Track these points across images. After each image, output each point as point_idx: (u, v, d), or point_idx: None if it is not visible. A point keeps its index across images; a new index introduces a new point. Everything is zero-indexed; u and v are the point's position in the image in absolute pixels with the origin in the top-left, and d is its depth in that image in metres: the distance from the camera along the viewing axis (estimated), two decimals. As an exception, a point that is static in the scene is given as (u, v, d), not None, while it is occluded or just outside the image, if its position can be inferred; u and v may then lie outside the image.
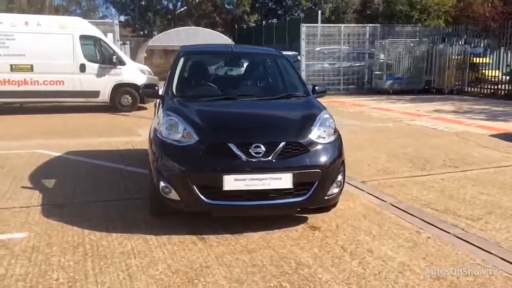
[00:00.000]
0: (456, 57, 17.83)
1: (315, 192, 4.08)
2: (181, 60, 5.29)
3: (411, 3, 23.26)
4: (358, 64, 18.93)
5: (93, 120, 11.50)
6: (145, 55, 35.41)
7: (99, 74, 12.99)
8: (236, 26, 44.02)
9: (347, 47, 18.54)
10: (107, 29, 15.88)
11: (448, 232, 4.22)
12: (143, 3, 43.72)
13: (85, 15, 43.62)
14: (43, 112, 12.79)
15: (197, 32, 35.61)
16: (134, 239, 3.95)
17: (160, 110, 4.64)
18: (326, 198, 4.20)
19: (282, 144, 4.01)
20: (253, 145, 3.93)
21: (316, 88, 5.34)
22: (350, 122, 10.96)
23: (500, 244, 3.95)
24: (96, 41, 13.28)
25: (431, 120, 11.13)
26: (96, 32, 13.47)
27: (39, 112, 12.80)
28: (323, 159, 4.14)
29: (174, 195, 3.98)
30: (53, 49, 12.63)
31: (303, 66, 17.68)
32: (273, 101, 4.93)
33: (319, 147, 4.19)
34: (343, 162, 4.36)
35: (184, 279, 3.27)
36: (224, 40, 36.49)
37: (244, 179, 3.89)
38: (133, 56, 30.25)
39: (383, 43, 18.08)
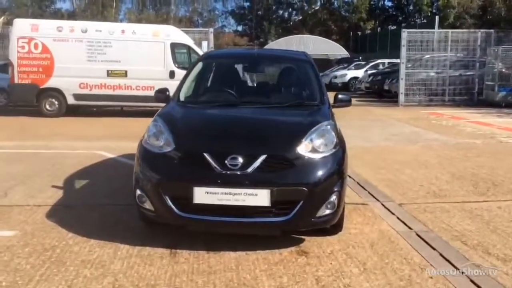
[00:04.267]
0: None
1: (299, 212, 3.61)
2: (198, 65, 5.10)
3: (539, 6, 20.71)
4: (468, 73, 17.27)
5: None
6: (257, 63, 36.21)
7: (187, 81, 13.35)
8: (351, 33, 43.04)
9: (455, 55, 17.01)
10: (203, 37, 16.39)
11: (462, 273, 3.48)
12: (260, 12, 44.71)
13: (205, 25, 45.94)
14: (137, 115, 13.49)
15: (308, 40, 35.56)
16: (106, 248, 3.82)
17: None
18: (313, 220, 3.70)
19: (263, 157, 3.61)
20: (230, 157, 3.60)
21: (340, 96, 4.81)
22: (432, 136, 9.95)
23: (521, 296, 3.16)
24: (185, 48, 13.75)
25: (531, 138, 9.67)
26: (186, 40, 13.94)
27: (134, 115, 13.52)
28: (311, 176, 3.66)
29: (148, 205, 3.79)
30: (145, 56, 13.30)
31: (402, 75, 16.56)
32: (277, 110, 4.50)
33: (308, 162, 3.70)
34: (340, 181, 3.79)
35: (119, 296, 3.06)
36: (336, 48, 35.97)
37: (216, 193, 3.56)
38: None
39: (496, 50, 16.26)
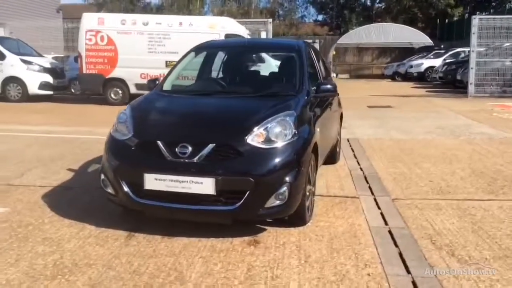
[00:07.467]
0: None
1: (246, 202, 3.61)
2: (189, 55, 5.20)
3: None
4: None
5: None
6: (334, 53, 35.51)
7: (241, 71, 13.56)
8: (438, 21, 40.80)
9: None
10: (262, 27, 16.47)
11: (409, 273, 3.30)
12: (341, 1, 43.80)
13: (285, 15, 45.91)
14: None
15: (389, 29, 34.09)
16: (73, 227, 4.06)
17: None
18: (262, 211, 3.68)
19: (211, 145, 3.65)
20: (180, 145, 3.69)
21: (321, 87, 4.66)
22: (481, 130, 9.30)
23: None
24: (239, 39, 13.94)
25: None
26: (240, 31, 14.12)
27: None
28: (258, 166, 3.63)
29: (110, 189, 3.98)
30: (201, 47, 13.67)
31: (472, 64, 15.51)
32: (247, 99, 4.44)
33: (257, 151, 3.67)
34: (294, 172, 3.70)
35: (54, 273, 3.23)
36: (418, 36, 34.16)
37: (164, 180, 3.66)
38: (324, 54, 30.53)
39: None
